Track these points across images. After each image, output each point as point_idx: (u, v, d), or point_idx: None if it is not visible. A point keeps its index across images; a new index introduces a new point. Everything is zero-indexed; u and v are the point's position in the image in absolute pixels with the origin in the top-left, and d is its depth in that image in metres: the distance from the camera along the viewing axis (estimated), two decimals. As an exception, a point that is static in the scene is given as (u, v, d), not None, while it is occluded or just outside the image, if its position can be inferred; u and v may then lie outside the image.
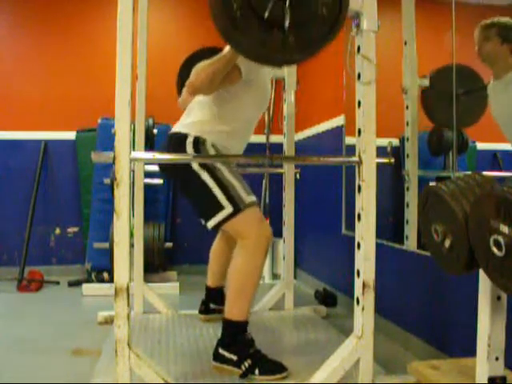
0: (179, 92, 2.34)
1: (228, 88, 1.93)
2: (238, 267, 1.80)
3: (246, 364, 1.73)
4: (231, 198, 1.81)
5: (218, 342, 1.82)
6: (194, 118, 1.98)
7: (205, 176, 1.84)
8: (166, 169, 2.05)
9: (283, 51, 1.42)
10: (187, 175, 1.87)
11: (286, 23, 1.37)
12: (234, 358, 1.75)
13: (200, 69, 1.81)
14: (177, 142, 1.93)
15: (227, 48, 1.80)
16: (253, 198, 1.85)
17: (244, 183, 1.89)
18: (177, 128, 1.99)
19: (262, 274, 1.85)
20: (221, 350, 1.79)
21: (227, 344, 1.78)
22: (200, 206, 1.94)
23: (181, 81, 2.38)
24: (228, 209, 1.80)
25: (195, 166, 1.84)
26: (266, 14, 1.37)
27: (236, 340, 1.78)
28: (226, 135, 1.97)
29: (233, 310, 1.79)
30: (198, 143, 1.90)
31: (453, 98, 2.08)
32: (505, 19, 1.90)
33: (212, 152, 1.91)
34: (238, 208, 1.80)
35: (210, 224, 1.84)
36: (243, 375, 1.73)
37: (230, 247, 2.23)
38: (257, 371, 1.72)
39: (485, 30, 1.92)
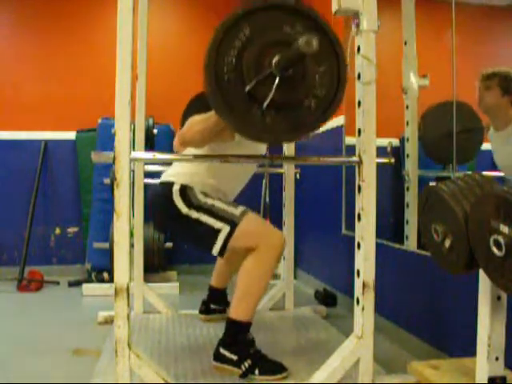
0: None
1: (222, 144, 1.92)
2: (248, 269, 1.79)
3: (246, 364, 1.74)
4: (223, 218, 1.82)
5: (220, 341, 1.82)
6: (182, 168, 1.97)
7: (194, 214, 1.84)
8: (158, 223, 2.05)
9: (260, 128, 1.42)
10: (180, 222, 1.87)
11: (265, 104, 1.37)
12: (235, 357, 1.76)
13: (193, 123, 1.82)
14: (163, 191, 1.93)
15: None
16: (242, 208, 1.86)
17: (227, 201, 1.90)
18: (163, 177, 1.99)
19: (270, 278, 1.85)
20: (221, 350, 1.79)
21: (228, 344, 1.79)
22: (200, 241, 1.93)
23: (184, 119, 2.37)
24: (225, 229, 1.80)
25: (184, 210, 1.85)
26: (248, 88, 1.37)
27: (237, 340, 1.78)
28: (216, 188, 1.97)
29: (238, 309, 1.79)
30: (186, 190, 1.89)
31: (451, 134, 2.09)
32: (505, 69, 1.89)
33: (201, 197, 1.88)
34: (234, 224, 1.80)
35: (215, 250, 1.83)
36: (243, 375, 1.73)
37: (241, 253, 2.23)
38: (257, 371, 1.73)
39: (486, 80, 1.91)
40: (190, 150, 2.00)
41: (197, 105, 1.91)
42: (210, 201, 1.87)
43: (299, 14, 1.45)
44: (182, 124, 2.43)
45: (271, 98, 1.37)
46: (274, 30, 1.39)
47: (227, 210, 1.84)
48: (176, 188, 1.89)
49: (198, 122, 1.80)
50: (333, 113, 1.49)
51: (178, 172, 1.96)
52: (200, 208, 1.85)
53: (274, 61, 1.37)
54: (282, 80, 1.38)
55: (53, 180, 4.00)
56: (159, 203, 1.97)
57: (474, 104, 2.07)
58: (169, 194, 1.89)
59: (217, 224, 1.81)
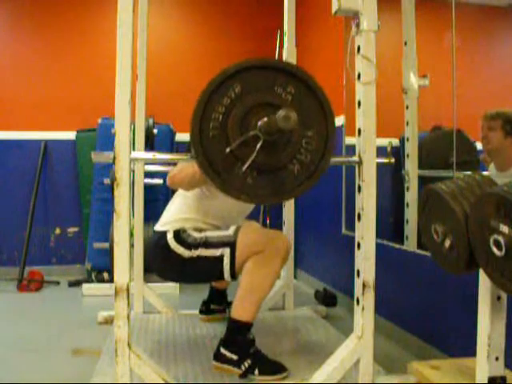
0: None
1: (213, 190, 1.90)
2: (252, 270, 1.78)
3: (246, 364, 1.73)
4: (219, 244, 1.81)
5: (220, 341, 1.82)
6: (174, 215, 1.97)
7: (195, 253, 1.83)
8: (163, 274, 2.02)
9: (239, 189, 1.41)
10: (185, 265, 1.85)
11: (245, 166, 1.37)
12: (235, 357, 1.76)
13: (184, 165, 1.82)
14: (159, 242, 1.91)
15: None
16: (233, 227, 1.85)
17: (218, 218, 1.92)
18: (157, 227, 1.98)
19: (274, 282, 1.84)
20: (222, 350, 1.79)
21: (228, 343, 1.78)
22: (210, 275, 1.91)
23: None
24: (226, 252, 1.80)
25: (186, 253, 1.83)
26: (230, 149, 1.36)
27: (237, 340, 1.78)
28: (210, 225, 1.96)
29: (240, 309, 1.79)
30: (179, 234, 1.88)
31: (449, 164, 2.09)
32: (509, 110, 1.89)
33: (195, 234, 1.87)
34: (232, 243, 1.80)
35: (227, 275, 1.81)
36: (243, 375, 1.73)
37: None
38: (256, 371, 1.73)
39: (490, 121, 1.91)
40: (181, 192, 2.01)
41: None
42: (203, 234, 1.87)
43: (291, 75, 1.44)
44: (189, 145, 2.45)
45: (254, 159, 1.36)
46: (265, 89, 1.37)
47: (220, 235, 1.84)
48: (170, 236, 1.88)
49: (189, 165, 1.80)
50: (317, 179, 1.48)
51: (169, 220, 1.95)
52: (198, 245, 1.84)
53: (259, 123, 1.36)
54: (266, 143, 1.37)
55: (53, 180, 4.00)
56: (159, 255, 1.94)
57: (470, 130, 2.09)
58: (165, 244, 1.88)
59: (217, 252, 1.81)
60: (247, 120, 1.38)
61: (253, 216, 4.02)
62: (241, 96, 1.40)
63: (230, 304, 2.33)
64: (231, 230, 1.85)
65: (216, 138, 1.38)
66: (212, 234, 1.87)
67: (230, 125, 1.38)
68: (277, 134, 1.36)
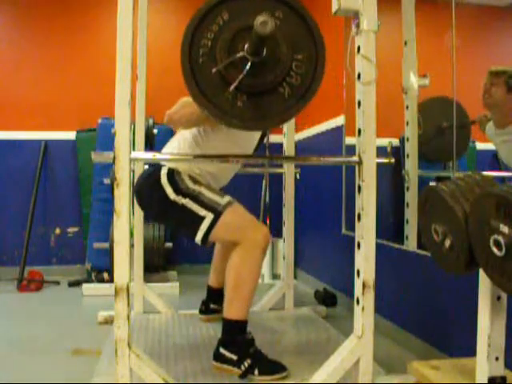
0: None
1: (210, 130, 1.91)
2: (235, 266, 1.78)
3: (246, 364, 1.73)
4: (207, 206, 1.81)
5: (219, 341, 1.82)
6: (171, 151, 1.97)
7: (181, 200, 1.83)
8: (144, 205, 2.01)
9: (230, 113, 1.41)
10: (166, 206, 1.85)
11: (233, 85, 1.37)
12: (234, 357, 1.76)
13: (182, 104, 1.82)
14: (151, 174, 1.92)
15: None
16: (228, 198, 1.84)
17: (216, 190, 1.89)
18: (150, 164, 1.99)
19: (261, 273, 1.84)
20: (221, 350, 1.79)
21: (228, 344, 1.78)
22: (184, 227, 1.93)
23: None
24: (209, 217, 1.79)
25: (172, 195, 1.84)
26: (217, 68, 1.37)
27: (236, 340, 1.78)
28: (205, 172, 1.95)
29: (231, 309, 1.79)
30: (173, 174, 1.88)
31: (441, 130, 2.09)
32: None
33: (189, 183, 1.87)
34: (218, 213, 1.79)
35: (198, 238, 1.82)
36: (243, 375, 1.73)
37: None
38: (256, 371, 1.73)
39: (494, 77, 1.91)
40: (181, 132, 2.00)
41: None
42: (197, 187, 1.86)
43: (279, 1, 1.44)
44: None
45: (243, 82, 1.37)
46: (253, 15, 1.36)
47: (212, 199, 1.82)
48: (164, 172, 1.87)
49: (187, 104, 1.79)
50: (306, 102, 1.46)
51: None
52: (187, 194, 1.83)
53: (246, 45, 1.37)
54: (255, 64, 1.37)
55: (53, 180, 4.00)
56: (147, 185, 1.93)
57: (463, 100, 2.09)
58: (157, 177, 1.87)
59: (201, 211, 1.80)
60: (235, 44, 1.38)
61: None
62: (229, 22, 1.40)
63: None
64: (224, 200, 1.83)
65: (205, 64, 1.39)
66: (207, 192, 1.85)
67: (218, 49, 1.38)
68: (260, 47, 1.35)
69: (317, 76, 1.48)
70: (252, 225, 1.84)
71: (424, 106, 2.40)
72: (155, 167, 1.92)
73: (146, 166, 2.06)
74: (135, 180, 2.11)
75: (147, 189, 1.95)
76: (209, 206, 1.81)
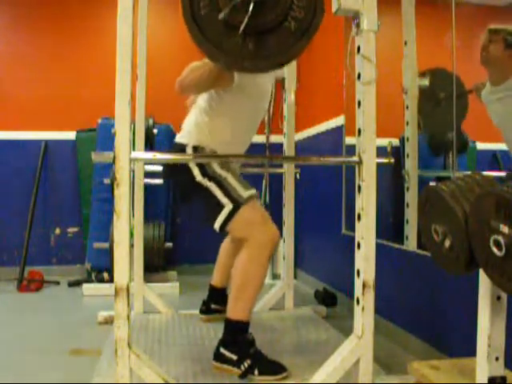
0: None
1: (220, 93, 1.91)
2: (242, 267, 1.80)
3: (246, 364, 1.74)
4: (230, 194, 1.82)
5: (220, 341, 1.82)
6: (191, 126, 1.98)
7: (206, 183, 1.85)
8: (169, 176, 2.05)
9: (242, 56, 1.42)
10: (191, 187, 1.88)
11: (241, 28, 1.38)
12: (234, 357, 1.76)
13: (191, 69, 1.82)
14: (178, 151, 1.95)
15: None
16: (251, 192, 1.85)
17: (242, 179, 1.89)
18: (177, 138, 2.01)
19: (265, 274, 1.85)
20: (221, 350, 1.80)
21: (228, 343, 1.79)
22: (205, 211, 1.95)
23: None
24: (228, 206, 1.82)
25: (198, 177, 1.86)
26: (222, 15, 1.38)
27: (237, 340, 1.78)
28: (224, 141, 1.96)
29: (235, 309, 1.80)
30: (197, 152, 1.90)
31: (439, 100, 2.10)
32: None
33: (216, 167, 1.88)
34: (238, 204, 1.81)
35: (216, 225, 1.85)
36: (242, 375, 1.73)
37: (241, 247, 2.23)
38: (256, 371, 1.73)
39: (492, 34, 1.91)
40: (197, 103, 2.01)
41: None
42: (224, 173, 1.87)
43: None
44: None
45: (250, 23, 1.38)
46: None
47: (236, 189, 1.84)
48: (189, 152, 1.90)
49: (196, 68, 1.81)
50: (312, 34, 1.49)
51: (189, 130, 1.97)
52: (213, 178, 1.85)
53: None
54: (257, 4, 1.39)
55: (53, 180, 4.00)
56: (175, 166, 1.95)
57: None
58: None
59: (223, 199, 1.82)
60: None
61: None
62: None
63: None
64: (247, 194, 1.84)
65: (208, 14, 1.41)
66: (232, 180, 1.86)
67: None
68: None
69: (318, 9, 1.50)
70: (263, 224, 1.84)
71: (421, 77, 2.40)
72: (180, 145, 1.94)
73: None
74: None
75: (175, 169, 1.96)
76: (231, 196, 1.83)
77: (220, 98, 1.93)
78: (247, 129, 2.06)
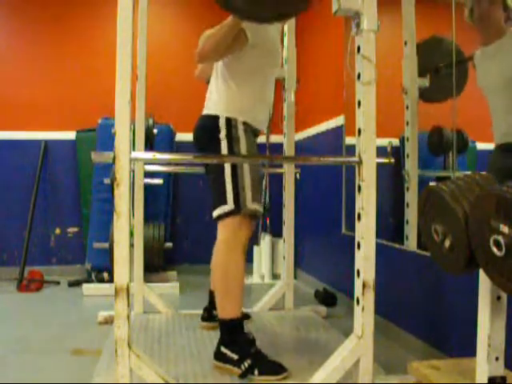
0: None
1: (238, 56, 1.94)
2: (219, 264, 1.85)
3: (246, 364, 1.74)
4: (238, 194, 1.84)
5: (219, 340, 1.83)
6: (216, 97, 1.99)
7: (227, 165, 1.86)
8: (198, 145, 2.05)
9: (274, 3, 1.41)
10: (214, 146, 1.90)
11: None
12: (235, 357, 1.76)
13: (206, 37, 1.84)
14: (210, 123, 1.96)
15: (231, 17, 1.83)
16: (254, 207, 1.87)
17: (257, 183, 1.91)
18: (205, 110, 2.02)
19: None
20: (222, 349, 1.80)
21: (228, 343, 1.79)
22: (213, 192, 1.97)
23: None
24: (230, 205, 1.84)
25: (224, 150, 1.88)
26: None
27: (237, 339, 1.79)
28: (251, 104, 1.98)
29: (224, 309, 1.82)
30: (230, 124, 1.92)
31: (435, 71, 2.11)
32: None
33: (242, 133, 1.91)
34: (238, 209, 1.83)
35: (214, 214, 1.89)
36: (242, 375, 1.73)
37: None
38: (256, 371, 1.73)
39: None
40: (215, 75, 2.02)
41: None
42: (246, 166, 1.87)
43: None
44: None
45: None
46: None
47: (246, 193, 1.85)
48: (222, 122, 1.91)
49: (211, 34, 1.83)
50: None
51: (216, 101, 1.98)
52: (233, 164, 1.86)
53: None
54: None
55: (53, 180, 4.00)
56: (208, 132, 1.97)
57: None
58: (216, 126, 1.92)
59: (230, 195, 1.84)
60: None
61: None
62: None
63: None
64: (252, 206, 1.86)
65: None
66: (248, 181, 1.86)
67: None
68: None
69: None
70: (240, 228, 1.87)
71: (421, 47, 2.41)
72: (212, 117, 1.95)
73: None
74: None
75: (202, 130, 2.00)
76: (238, 196, 1.84)
77: (238, 61, 1.96)
78: (268, 86, 2.08)
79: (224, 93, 1.97)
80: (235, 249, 1.84)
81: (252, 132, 1.99)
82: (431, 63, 2.33)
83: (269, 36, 1.99)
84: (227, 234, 1.86)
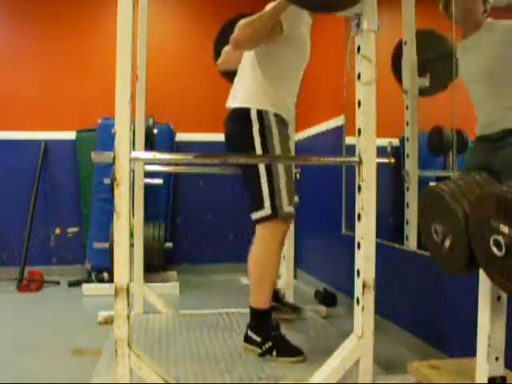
0: (216, 58, 2.41)
1: (270, 48, 1.95)
2: (256, 260, 1.93)
3: (267, 345, 1.91)
4: (274, 198, 1.89)
5: (247, 325, 1.99)
6: (246, 89, 2.00)
7: (261, 167, 1.89)
8: (230, 140, 2.07)
9: None
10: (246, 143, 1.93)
11: None
12: (258, 339, 1.93)
13: (246, 23, 1.86)
14: (241, 118, 1.97)
15: (270, 6, 1.86)
16: (291, 210, 1.93)
17: (291, 183, 1.96)
18: (236, 103, 2.02)
19: (279, 266, 1.95)
20: (249, 332, 1.97)
21: (253, 327, 1.97)
22: (248, 196, 2.01)
23: (217, 46, 2.47)
24: (267, 210, 1.89)
25: (258, 150, 1.91)
26: None
27: (261, 325, 1.95)
28: (282, 96, 2.00)
29: (256, 299, 1.95)
30: (262, 117, 1.94)
31: (425, 64, 2.19)
32: None
33: (274, 125, 1.94)
34: (275, 214, 1.89)
35: (252, 217, 1.95)
36: (261, 355, 1.91)
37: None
38: (275, 352, 1.89)
39: None
40: (243, 66, 2.04)
41: (231, 29, 1.95)
42: (280, 165, 1.90)
43: None
44: (215, 51, 2.51)
45: None
46: None
47: (282, 196, 1.89)
48: (254, 115, 1.93)
49: (250, 21, 1.85)
50: None
51: (246, 93, 1.99)
52: (267, 151, 1.90)
53: None
54: None
55: (53, 180, 4.00)
56: (239, 124, 1.99)
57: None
58: (248, 119, 1.94)
59: (267, 198, 1.89)
60: None
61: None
62: None
63: (283, 303, 2.45)
64: (288, 209, 1.91)
65: None
66: (283, 183, 1.90)
67: None
68: None
69: None
70: (278, 240, 1.94)
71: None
72: (243, 109, 1.96)
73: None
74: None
75: (234, 123, 2.02)
76: (274, 200, 1.89)
77: (270, 53, 1.98)
78: (297, 78, 2.10)
79: (254, 84, 1.98)
80: (272, 246, 1.91)
81: (283, 123, 2.01)
82: (420, 56, 2.36)
83: (301, 30, 2.02)
84: (265, 233, 1.92)
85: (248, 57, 2.03)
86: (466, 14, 1.94)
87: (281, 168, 1.91)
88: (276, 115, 1.97)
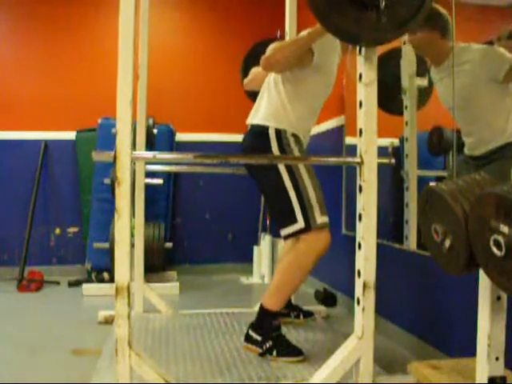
0: (243, 77, 2.46)
1: (297, 73, 1.97)
2: (286, 267, 1.94)
3: (267, 345, 1.91)
4: (306, 211, 1.90)
5: (250, 324, 1.99)
6: (268, 108, 2.02)
7: (287, 181, 1.90)
8: (251, 166, 2.08)
9: (377, 31, 1.45)
10: (271, 175, 1.94)
11: (382, 4, 1.41)
12: (259, 338, 1.93)
13: (278, 46, 1.89)
14: (260, 134, 2.00)
15: (305, 32, 1.88)
16: (325, 220, 1.95)
17: (321, 195, 1.98)
18: (255, 120, 2.04)
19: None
20: (250, 332, 1.96)
21: (256, 326, 1.96)
22: (276, 212, 2.03)
23: (245, 67, 2.54)
24: (300, 223, 1.90)
25: (281, 167, 1.92)
26: None
27: (263, 325, 1.95)
28: (301, 121, 2.02)
29: (270, 300, 1.95)
30: (280, 136, 1.96)
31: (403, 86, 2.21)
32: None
33: (292, 143, 1.96)
34: (308, 226, 1.90)
35: (283, 234, 1.96)
36: (261, 354, 1.91)
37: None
38: (275, 352, 1.89)
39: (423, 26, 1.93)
40: (268, 86, 2.05)
41: (259, 50, 1.99)
42: (306, 178, 1.92)
43: None
44: (243, 70, 2.57)
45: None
46: None
47: (314, 209, 1.92)
48: (272, 133, 1.95)
49: (284, 45, 1.89)
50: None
51: (267, 112, 2.01)
52: (293, 179, 1.90)
53: None
54: None
55: (53, 180, 4.00)
56: (257, 142, 2.01)
57: None
58: (266, 137, 1.96)
59: (298, 213, 1.90)
60: None
61: (252, 216, 4.04)
62: None
63: (294, 308, 2.42)
64: (322, 219, 1.94)
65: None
66: (312, 194, 1.94)
67: None
68: None
69: None
70: (318, 238, 1.94)
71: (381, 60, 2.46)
72: (262, 127, 1.98)
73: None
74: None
75: (252, 141, 2.04)
76: (306, 213, 1.90)
77: (296, 78, 1.99)
78: (320, 105, 2.13)
79: (276, 106, 2.00)
80: (308, 259, 1.92)
81: (300, 143, 2.03)
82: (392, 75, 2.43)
83: (330, 59, 2.04)
84: (301, 246, 1.93)
85: (274, 78, 2.05)
86: (426, 50, 2.01)
87: (307, 179, 1.93)
88: (293, 135, 1.99)
